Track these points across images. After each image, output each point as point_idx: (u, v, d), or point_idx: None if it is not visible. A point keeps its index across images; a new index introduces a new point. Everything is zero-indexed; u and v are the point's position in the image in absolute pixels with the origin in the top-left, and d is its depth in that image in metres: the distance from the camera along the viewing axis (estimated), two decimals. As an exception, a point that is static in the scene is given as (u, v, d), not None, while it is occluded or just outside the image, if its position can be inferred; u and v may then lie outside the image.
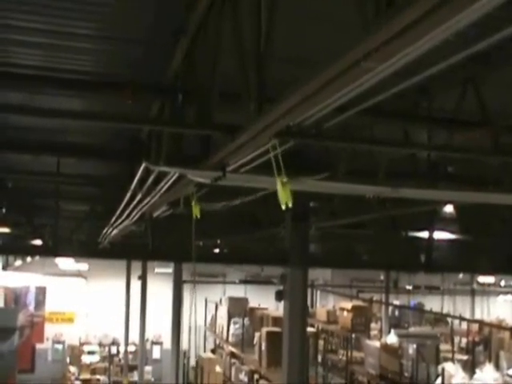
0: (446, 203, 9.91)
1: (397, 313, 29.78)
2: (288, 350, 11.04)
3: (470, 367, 18.45)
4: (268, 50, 3.89)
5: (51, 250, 13.92)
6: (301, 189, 5.23)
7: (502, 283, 30.06)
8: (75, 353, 27.83)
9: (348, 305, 20.71)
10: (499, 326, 24.32)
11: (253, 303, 21.54)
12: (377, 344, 18.69)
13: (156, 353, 28.09)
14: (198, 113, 5.19)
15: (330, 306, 25.60)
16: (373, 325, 23.92)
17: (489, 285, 30.57)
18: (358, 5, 2.77)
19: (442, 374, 15.94)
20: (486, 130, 5.76)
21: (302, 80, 3.39)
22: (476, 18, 2.61)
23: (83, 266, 25.34)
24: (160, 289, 25.11)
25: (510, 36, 4.67)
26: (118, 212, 10.12)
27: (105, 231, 13.90)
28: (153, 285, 24.06)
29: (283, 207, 4.22)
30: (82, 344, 28.12)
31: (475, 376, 16.35)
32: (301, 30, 4.92)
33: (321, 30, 4.87)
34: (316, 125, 4.47)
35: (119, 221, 10.72)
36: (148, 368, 25.98)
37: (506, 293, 30.38)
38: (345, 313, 20.40)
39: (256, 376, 17.02)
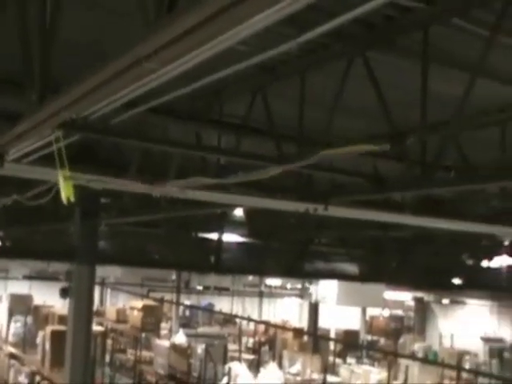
0: (236, 207, 10.24)
1: (187, 313, 30.23)
2: (71, 350, 10.77)
3: (256, 366, 19.20)
4: (53, 38, 3.75)
5: None
6: (85, 184, 5.12)
7: (288, 286, 31.70)
8: None
9: (138, 304, 20.61)
10: (283, 327, 25.64)
11: (38, 300, 20.66)
12: (166, 344, 18.79)
13: None
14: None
15: (121, 304, 25.33)
16: (163, 324, 24.01)
17: (276, 287, 32.14)
18: (140, 5, 2.75)
19: (229, 374, 16.47)
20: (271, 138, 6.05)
21: (85, 73, 3.32)
22: (254, 31, 2.73)
23: None
24: None
25: (294, 51, 4.97)
26: None
27: None
28: None
29: (65, 202, 4.14)
30: None
31: (259, 375, 17.10)
32: (91, 20, 4.74)
33: (112, 21, 4.73)
34: (103, 119, 4.40)
35: None
36: None
37: (291, 295, 32.09)
38: (135, 312, 20.27)
39: (38, 378, 16.30)
